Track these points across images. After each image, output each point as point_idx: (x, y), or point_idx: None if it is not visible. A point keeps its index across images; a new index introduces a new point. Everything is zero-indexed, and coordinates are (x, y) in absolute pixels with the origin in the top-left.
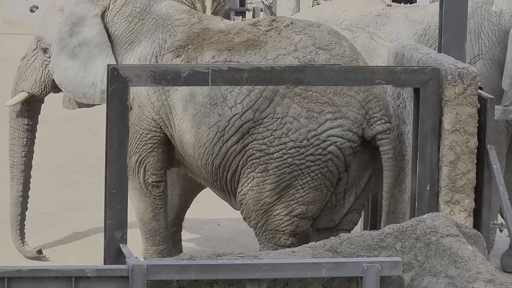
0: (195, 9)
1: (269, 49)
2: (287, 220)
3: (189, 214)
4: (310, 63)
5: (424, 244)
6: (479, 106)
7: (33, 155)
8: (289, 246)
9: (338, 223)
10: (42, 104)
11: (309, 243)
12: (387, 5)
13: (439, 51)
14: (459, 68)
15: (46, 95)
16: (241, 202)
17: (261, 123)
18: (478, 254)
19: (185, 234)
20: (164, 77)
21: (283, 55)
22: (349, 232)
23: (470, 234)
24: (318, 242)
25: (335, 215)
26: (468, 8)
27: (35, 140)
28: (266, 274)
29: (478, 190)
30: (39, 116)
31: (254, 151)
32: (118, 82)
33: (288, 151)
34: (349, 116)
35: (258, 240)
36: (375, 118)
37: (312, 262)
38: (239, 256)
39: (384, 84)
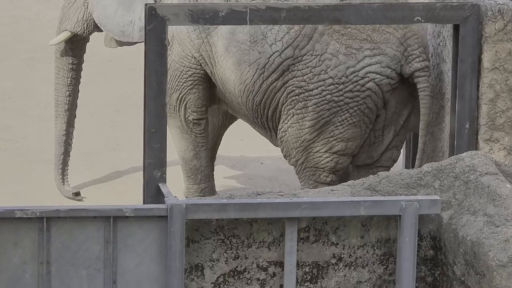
0: None
1: None
2: (326, 157)
3: (233, 152)
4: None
5: (462, 183)
6: None
7: (78, 94)
8: (329, 184)
9: (378, 159)
10: (88, 43)
11: (348, 181)
12: None
13: None
14: (499, 4)
15: (90, 34)
16: (282, 139)
17: (301, 60)
18: None
19: (228, 172)
20: (202, 16)
21: None
22: (389, 169)
23: (509, 172)
24: (357, 180)
25: (373, 152)
26: None
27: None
28: (305, 213)
29: None
30: (85, 55)
31: (294, 88)
32: (156, 21)
33: (327, 88)
34: (388, 52)
35: (299, 178)
36: (414, 56)
37: (350, 200)
38: (279, 195)
39: (423, 22)
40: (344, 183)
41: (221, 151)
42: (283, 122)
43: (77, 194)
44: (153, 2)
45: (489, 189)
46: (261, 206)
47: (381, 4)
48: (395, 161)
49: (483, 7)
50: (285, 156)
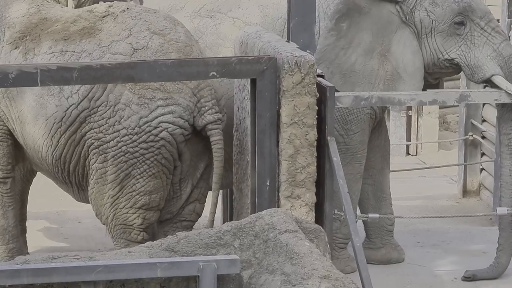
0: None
1: (104, 36)
2: (133, 213)
3: (51, 209)
4: (143, 48)
5: (262, 241)
6: (318, 95)
7: None
8: (140, 242)
9: (181, 213)
10: None
11: (146, 243)
12: None
13: (288, 37)
14: (296, 56)
15: None
16: (90, 197)
17: (96, 112)
18: (314, 250)
19: (44, 231)
20: None
21: (117, 41)
22: (193, 223)
23: (310, 229)
24: (155, 241)
25: (172, 207)
26: None
27: None
28: (100, 276)
29: (321, 183)
30: None
31: (92, 140)
32: None
33: (122, 139)
34: (181, 103)
35: (111, 237)
36: (206, 107)
37: (147, 262)
38: (75, 258)
39: (219, 77)
40: (142, 245)
41: (38, 208)
42: (90, 178)
43: None
44: None
45: (288, 247)
46: (55, 270)
47: (175, 60)
48: (199, 215)
49: (280, 60)
50: (96, 215)
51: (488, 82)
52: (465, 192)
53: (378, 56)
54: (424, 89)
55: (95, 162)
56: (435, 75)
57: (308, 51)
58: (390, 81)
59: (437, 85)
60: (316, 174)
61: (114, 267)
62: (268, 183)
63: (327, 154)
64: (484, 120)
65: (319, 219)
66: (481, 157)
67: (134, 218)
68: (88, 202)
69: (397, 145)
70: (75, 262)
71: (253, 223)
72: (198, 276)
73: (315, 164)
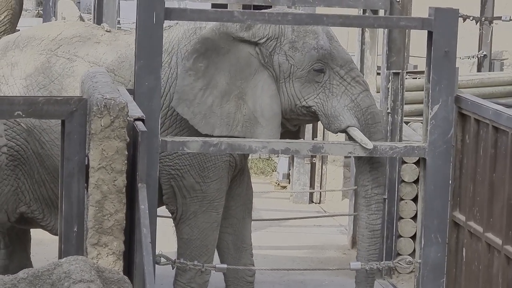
0: None
1: None
2: None
3: None
4: None
5: None
6: (128, 140)
7: None
8: None
9: None
10: None
11: None
12: (106, 31)
13: (135, 79)
14: (106, 98)
15: None
16: None
17: None
18: None
19: None
20: None
21: None
22: None
23: (113, 279)
24: None
25: None
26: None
27: None
28: None
29: (132, 231)
30: None
31: None
32: None
33: None
34: None
35: None
36: None
37: None
38: None
39: (25, 117)
40: None
41: None
42: None
43: None
44: None
45: None
46: None
47: None
48: None
49: (90, 101)
50: None
51: (345, 133)
52: (354, 242)
53: (235, 99)
54: (285, 136)
55: None
56: (294, 121)
57: None
58: (248, 124)
59: (297, 132)
60: (124, 222)
61: None
62: (75, 229)
63: (137, 201)
64: None
65: (129, 268)
66: None
67: None
68: None
69: (300, 193)
70: None
71: (51, 271)
72: None
73: (124, 211)
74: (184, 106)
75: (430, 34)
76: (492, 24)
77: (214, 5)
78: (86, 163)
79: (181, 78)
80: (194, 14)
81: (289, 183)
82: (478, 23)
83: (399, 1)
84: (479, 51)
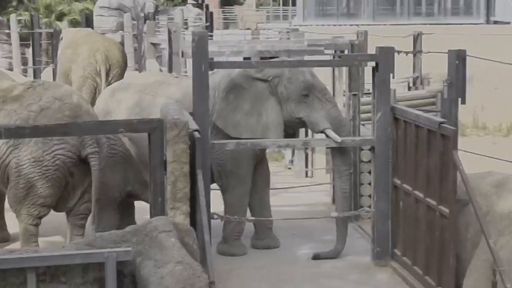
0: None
1: (25, 101)
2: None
3: None
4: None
5: (149, 238)
6: (189, 143)
7: None
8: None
9: (78, 209)
10: None
11: (75, 241)
12: (175, 77)
13: (193, 106)
14: (175, 118)
15: None
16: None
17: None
18: (177, 244)
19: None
20: None
21: (31, 104)
22: (87, 215)
23: (183, 230)
24: (80, 240)
25: (69, 204)
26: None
27: None
28: (36, 263)
29: (196, 200)
30: None
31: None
32: None
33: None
34: (69, 141)
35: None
36: (88, 144)
37: (70, 253)
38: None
39: (125, 132)
40: (72, 242)
41: None
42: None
43: None
44: None
45: (161, 242)
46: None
47: (95, 121)
48: (90, 210)
49: (165, 121)
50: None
51: (323, 133)
52: (333, 200)
53: (255, 115)
54: (286, 137)
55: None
56: (291, 128)
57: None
58: (264, 130)
59: (294, 134)
60: (189, 194)
61: (49, 257)
62: (159, 199)
63: (197, 181)
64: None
65: (194, 223)
66: None
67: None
68: None
69: (299, 171)
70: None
71: (145, 226)
72: (104, 262)
73: (188, 187)
74: (220, 121)
75: (377, 64)
76: (421, 55)
77: (245, 58)
78: (164, 159)
79: (218, 104)
80: (227, 64)
81: (292, 165)
82: (413, 55)
83: (357, 44)
84: (413, 73)
